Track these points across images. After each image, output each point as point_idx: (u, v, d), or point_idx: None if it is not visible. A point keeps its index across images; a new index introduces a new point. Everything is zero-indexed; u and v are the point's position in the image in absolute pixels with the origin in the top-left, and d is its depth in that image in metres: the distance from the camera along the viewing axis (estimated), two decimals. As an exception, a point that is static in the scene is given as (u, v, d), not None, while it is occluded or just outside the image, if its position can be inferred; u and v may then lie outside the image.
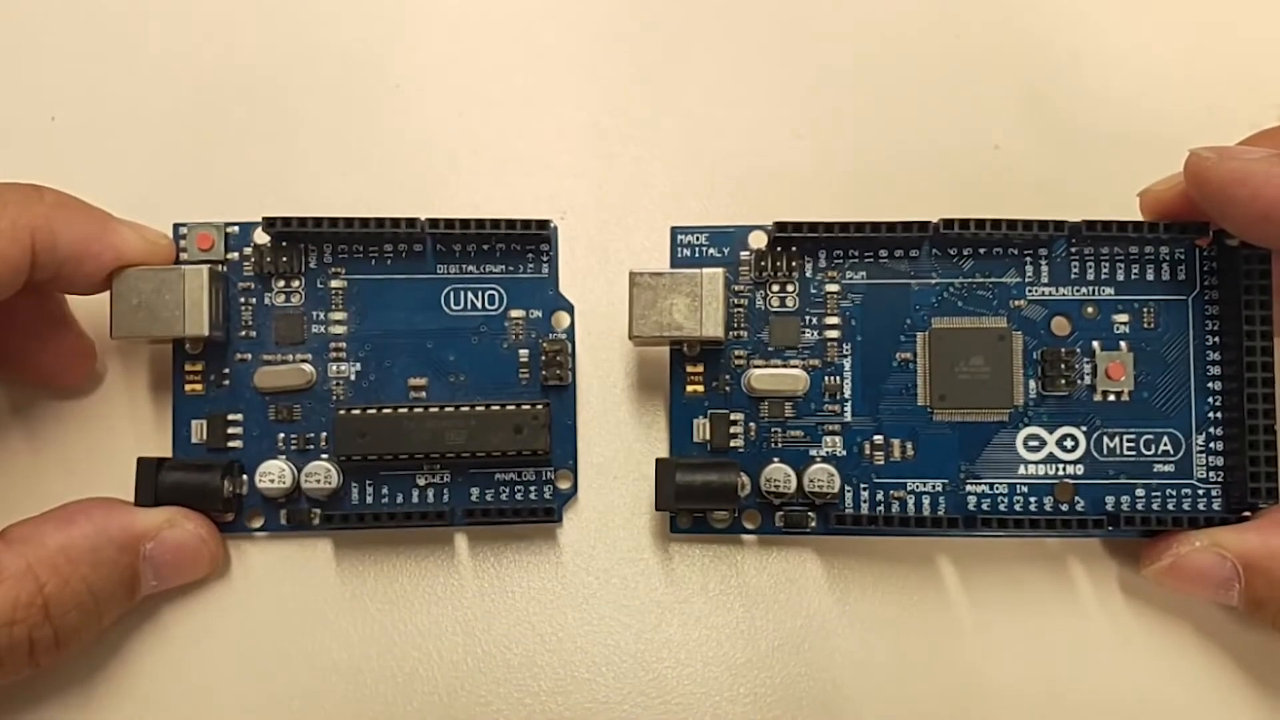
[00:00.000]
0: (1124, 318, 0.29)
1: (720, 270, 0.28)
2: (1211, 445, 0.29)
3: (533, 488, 0.30)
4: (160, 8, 0.33)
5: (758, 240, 0.30)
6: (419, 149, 0.32)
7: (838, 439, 0.29)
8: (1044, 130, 0.32)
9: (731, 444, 0.29)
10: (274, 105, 0.32)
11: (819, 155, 0.32)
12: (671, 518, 0.30)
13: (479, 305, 0.30)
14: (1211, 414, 0.29)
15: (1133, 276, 0.29)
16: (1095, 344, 0.29)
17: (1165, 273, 0.29)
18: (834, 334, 0.30)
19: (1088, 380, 0.29)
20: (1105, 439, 0.29)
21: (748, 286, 0.30)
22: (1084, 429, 0.29)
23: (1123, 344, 0.29)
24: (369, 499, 0.30)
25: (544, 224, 0.29)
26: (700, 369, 0.30)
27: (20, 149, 0.32)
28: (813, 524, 0.29)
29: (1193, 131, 0.30)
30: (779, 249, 0.29)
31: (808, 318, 0.30)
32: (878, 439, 0.29)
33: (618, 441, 0.31)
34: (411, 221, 0.29)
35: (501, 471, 0.30)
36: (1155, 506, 0.29)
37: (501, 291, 0.30)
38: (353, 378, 0.30)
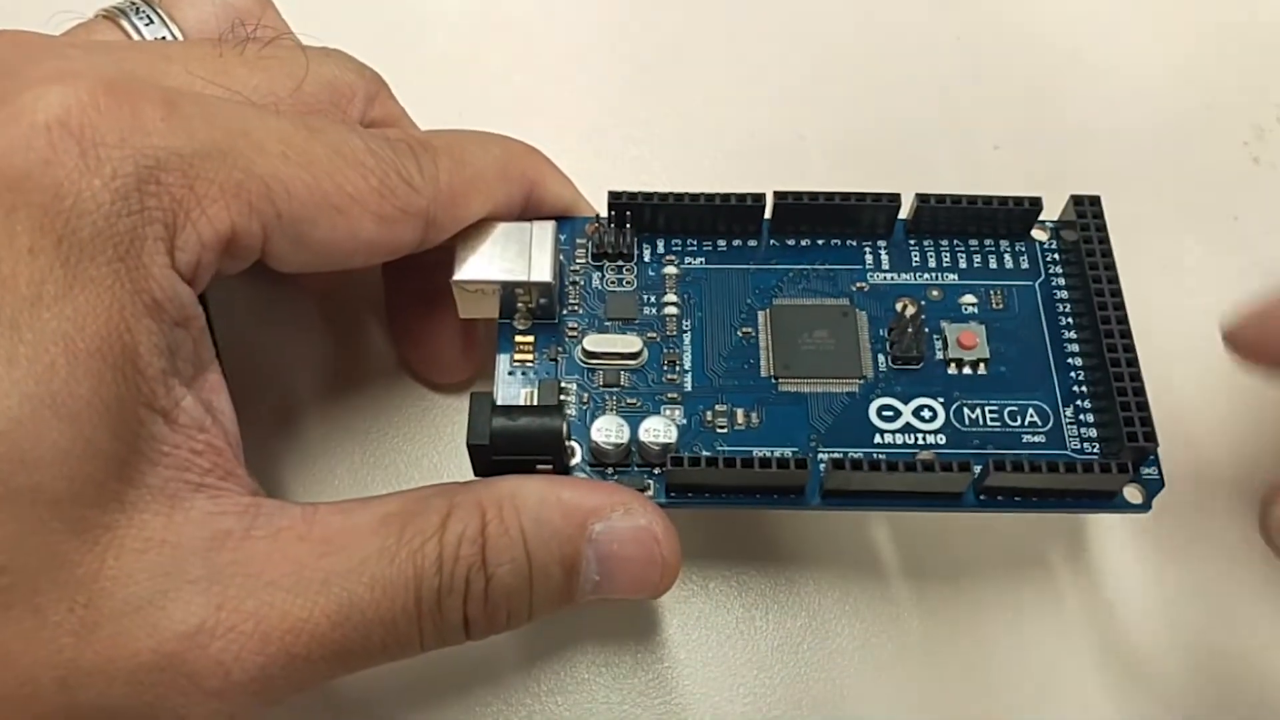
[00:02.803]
0: (971, 298, 0.28)
1: (551, 222, 0.28)
2: (1081, 418, 0.27)
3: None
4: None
5: (592, 231, 0.29)
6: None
7: (678, 409, 0.27)
8: (1044, 130, 0.33)
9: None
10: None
11: (820, 155, 0.33)
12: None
13: None
14: (1076, 388, 0.27)
15: (975, 265, 0.29)
16: (943, 322, 0.28)
17: (1008, 262, 0.29)
18: (673, 310, 0.28)
19: (940, 355, 0.28)
20: (965, 410, 0.27)
21: (586, 266, 0.29)
22: (941, 400, 0.27)
23: (972, 322, 0.28)
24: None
25: None
26: (530, 340, 0.28)
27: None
28: (650, 490, 0.26)
29: (1193, 130, 0.31)
30: (615, 224, 0.29)
31: (645, 296, 0.28)
32: (720, 407, 0.27)
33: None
34: None
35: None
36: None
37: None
38: None
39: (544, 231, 0.27)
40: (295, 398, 0.31)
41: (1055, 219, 0.29)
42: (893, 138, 0.34)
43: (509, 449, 0.25)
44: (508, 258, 0.27)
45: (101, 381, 0.20)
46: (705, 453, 0.26)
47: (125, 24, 0.27)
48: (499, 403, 0.26)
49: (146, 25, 0.27)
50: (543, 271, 0.27)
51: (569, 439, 0.26)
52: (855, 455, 0.26)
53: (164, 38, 0.27)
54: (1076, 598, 0.29)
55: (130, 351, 0.20)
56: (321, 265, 0.25)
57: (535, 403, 0.27)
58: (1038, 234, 0.29)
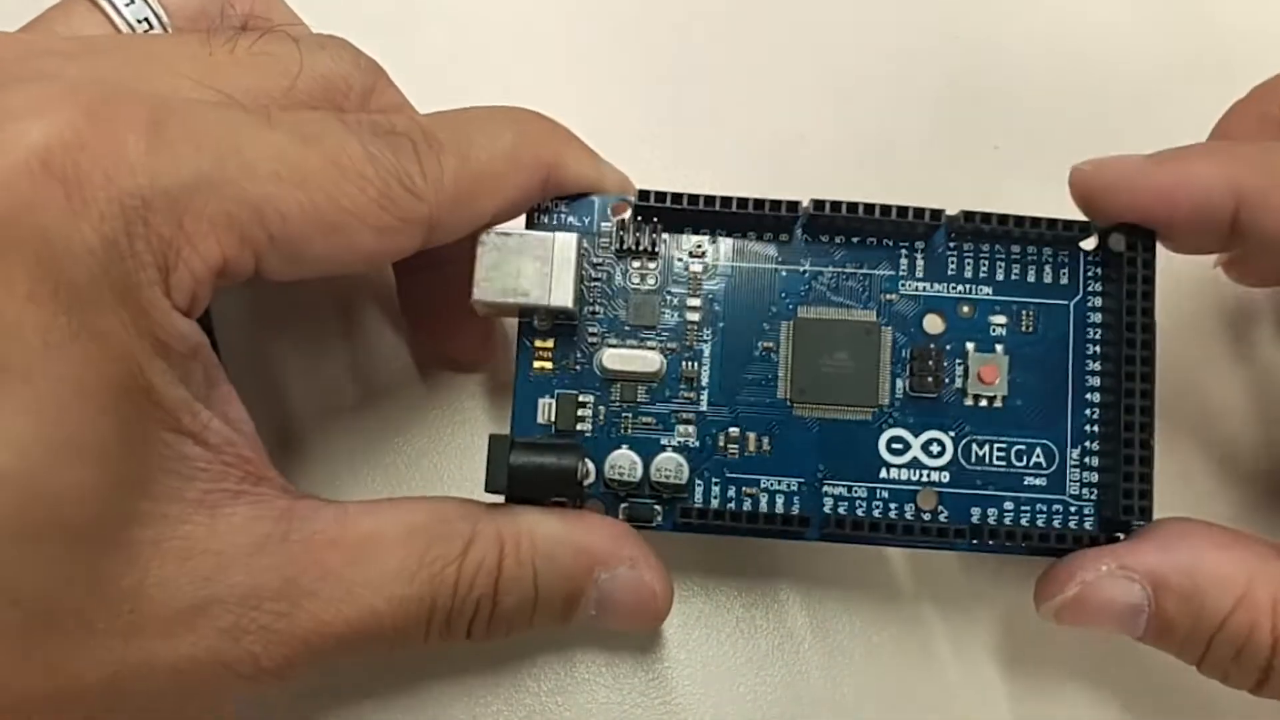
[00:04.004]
0: (1001, 319, 0.28)
1: (574, 236, 0.26)
2: (1086, 460, 0.27)
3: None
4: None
5: (620, 211, 0.28)
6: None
7: (691, 428, 0.27)
8: (1044, 130, 0.33)
9: (579, 427, 0.27)
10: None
11: (820, 155, 0.33)
12: (504, 506, 0.27)
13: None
14: (1088, 427, 0.27)
15: (1013, 277, 0.28)
16: (969, 345, 0.28)
17: (1047, 275, 0.28)
18: (695, 316, 0.28)
19: (958, 384, 0.28)
20: (974, 446, 0.27)
21: (608, 259, 0.28)
22: (952, 434, 0.27)
23: (998, 347, 0.28)
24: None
25: None
26: (550, 344, 0.28)
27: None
28: (659, 519, 0.27)
29: (1195, 130, 0.29)
30: (641, 221, 0.28)
31: (669, 297, 0.28)
32: (733, 431, 0.27)
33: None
34: None
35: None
36: (1024, 521, 0.27)
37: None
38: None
39: (566, 245, 0.26)
40: (295, 398, 0.31)
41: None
42: (893, 137, 0.33)
43: (526, 491, 0.26)
44: (527, 276, 0.26)
45: (120, 419, 0.21)
46: (715, 489, 0.27)
47: (105, 4, 0.25)
48: (517, 417, 0.27)
49: (128, 5, 0.25)
50: (564, 296, 0.26)
51: (584, 460, 0.27)
52: (858, 504, 0.27)
53: (146, 19, 0.25)
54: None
55: (146, 389, 0.21)
56: (317, 276, 0.25)
57: (554, 418, 0.27)
58: (1086, 243, 0.28)
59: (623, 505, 0.27)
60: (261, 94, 0.24)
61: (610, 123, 0.30)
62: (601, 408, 0.27)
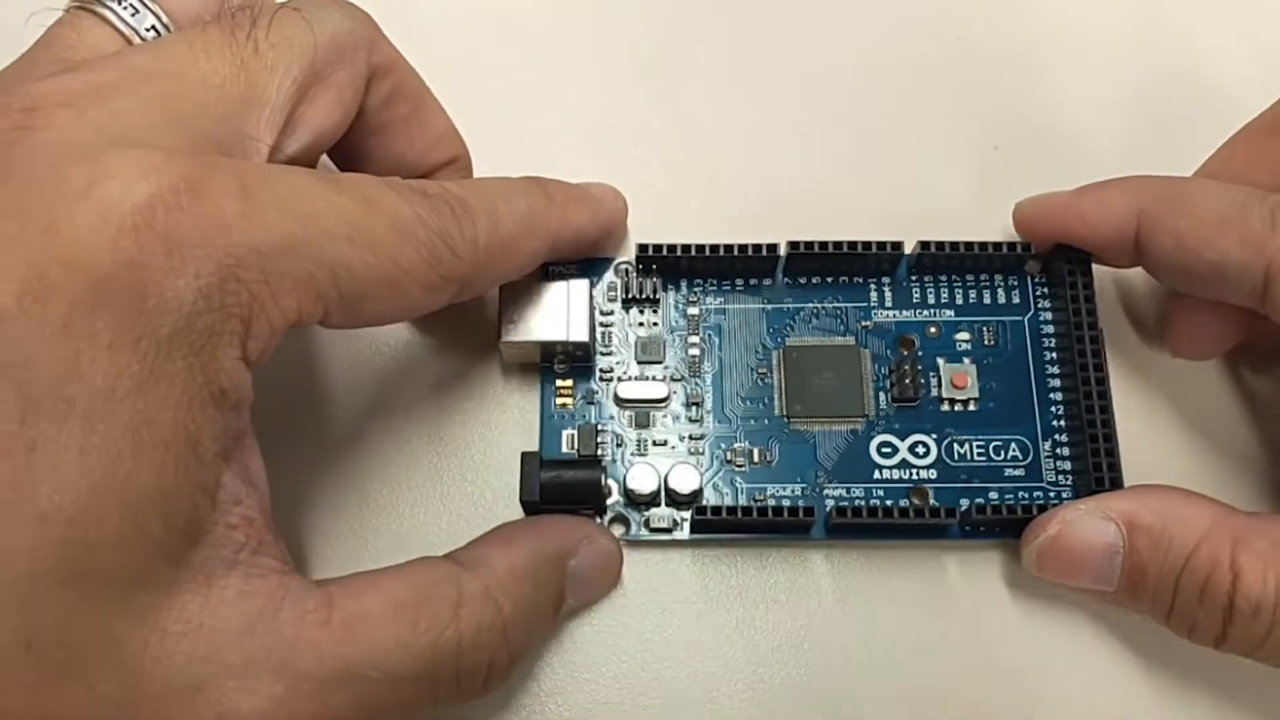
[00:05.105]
0: (965, 335, 0.31)
1: (585, 281, 0.31)
2: (1058, 451, 0.30)
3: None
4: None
5: (620, 273, 0.32)
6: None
7: (701, 443, 0.31)
8: (1044, 130, 0.35)
9: (599, 452, 0.30)
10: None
11: (820, 155, 0.35)
12: (535, 522, 0.30)
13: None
14: (1055, 422, 0.31)
15: (970, 301, 0.32)
16: (939, 359, 0.31)
17: (1001, 296, 0.32)
18: (696, 351, 0.31)
19: (935, 391, 0.31)
20: (955, 445, 0.30)
21: (615, 309, 0.32)
22: (934, 435, 0.31)
23: (965, 359, 0.31)
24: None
25: None
26: (570, 384, 0.31)
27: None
28: (678, 528, 0.30)
29: (1196, 130, 0.32)
30: (642, 270, 0.32)
31: (671, 337, 0.32)
32: (739, 446, 0.31)
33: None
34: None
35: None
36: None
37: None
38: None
39: (580, 290, 0.30)
40: (293, 399, 0.32)
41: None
42: (892, 138, 0.35)
43: (555, 500, 0.29)
44: (547, 318, 0.30)
45: (163, 471, 0.21)
46: (726, 498, 0.30)
47: (109, 15, 0.26)
48: (543, 448, 0.30)
49: (132, 15, 0.27)
50: (580, 331, 0.30)
51: (606, 481, 0.30)
52: (857, 502, 0.30)
53: (153, 27, 0.27)
54: (1077, 600, 0.31)
55: (193, 440, 0.22)
56: (363, 326, 0.27)
57: (576, 446, 0.30)
58: (1030, 266, 0.32)
59: (644, 517, 0.30)
60: (293, 84, 0.26)
61: (609, 124, 0.33)
62: (620, 434, 0.31)
